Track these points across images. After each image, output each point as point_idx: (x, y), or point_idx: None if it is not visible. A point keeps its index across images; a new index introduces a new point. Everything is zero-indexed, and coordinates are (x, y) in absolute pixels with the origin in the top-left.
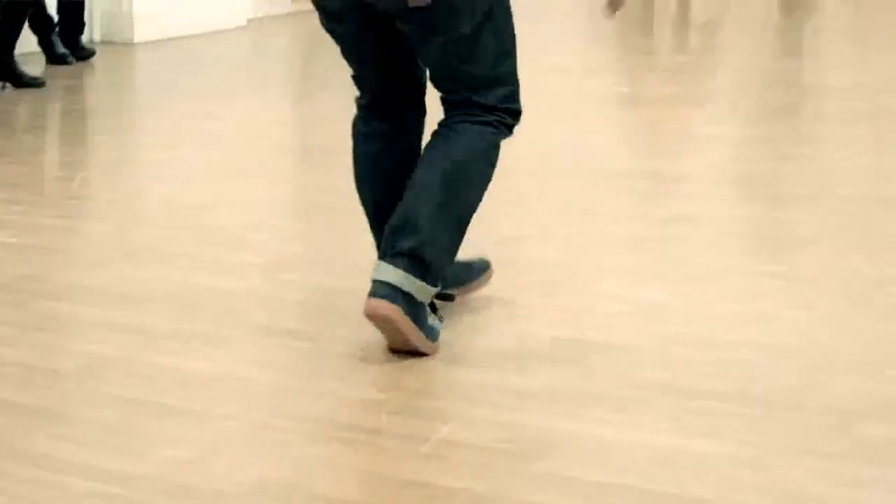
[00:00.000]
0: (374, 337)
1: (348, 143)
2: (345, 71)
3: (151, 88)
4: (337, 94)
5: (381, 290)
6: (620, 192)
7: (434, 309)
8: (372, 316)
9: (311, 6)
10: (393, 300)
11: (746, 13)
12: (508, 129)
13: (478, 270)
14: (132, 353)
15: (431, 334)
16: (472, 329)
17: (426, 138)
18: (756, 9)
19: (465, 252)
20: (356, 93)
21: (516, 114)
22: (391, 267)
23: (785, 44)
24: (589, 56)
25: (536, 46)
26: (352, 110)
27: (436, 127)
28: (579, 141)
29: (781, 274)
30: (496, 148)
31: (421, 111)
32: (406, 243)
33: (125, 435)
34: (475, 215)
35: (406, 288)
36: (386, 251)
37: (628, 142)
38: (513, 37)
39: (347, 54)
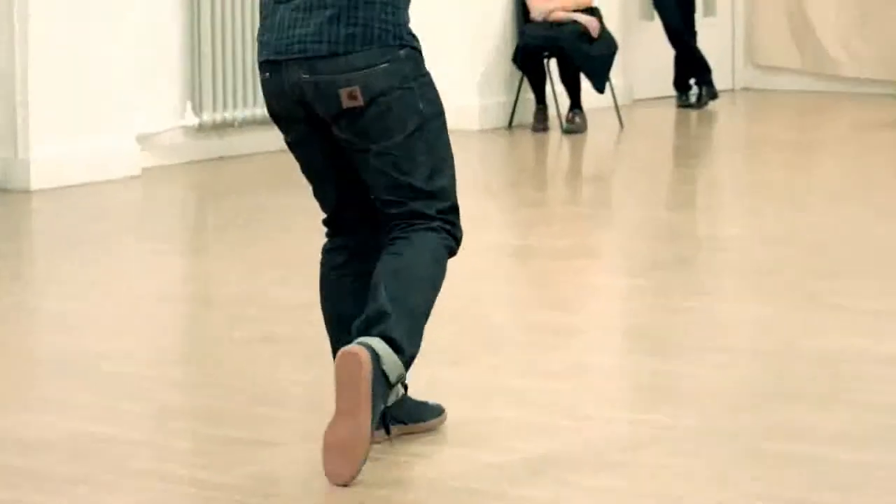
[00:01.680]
0: (265, 486)
1: (239, 294)
2: (237, 224)
3: (46, 236)
4: (230, 246)
5: (354, 344)
6: (509, 344)
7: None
8: (341, 356)
9: (204, 156)
10: (366, 348)
11: (640, 165)
12: (453, 240)
13: (431, 411)
14: (22, 495)
15: (375, 419)
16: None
17: None
18: (649, 161)
19: None
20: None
21: (455, 226)
22: (364, 337)
23: (678, 195)
24: (481, 208)
25: None
26: (242, 264)
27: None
28: (469, 292)
29: (664, 424)
30: (444, 249)
31: (377, 229)
32: (375, 329)
33: None
34: None
35: (379, 350)
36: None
37: (519, 293)
38: (448, 154)
39: (304, 168)
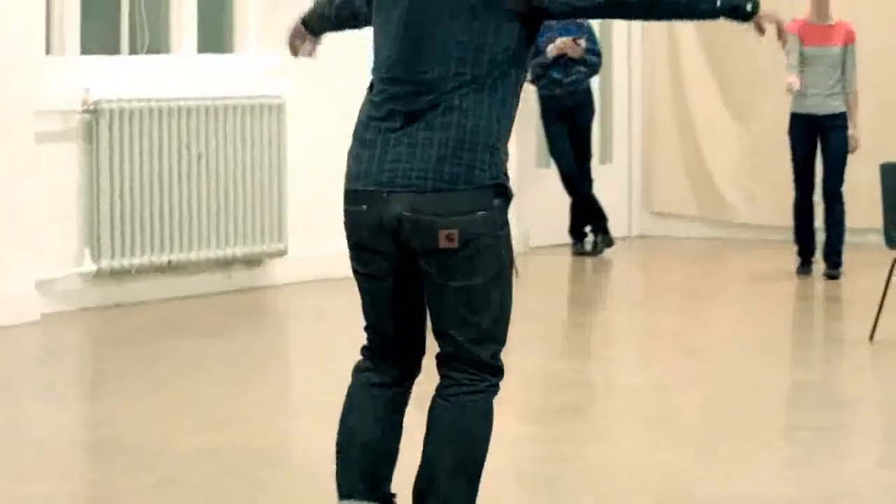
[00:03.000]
0: None
1: (142, 440)
2: (137, 371)
3: None
4: (131, 392)
5: None
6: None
7: None
8: None
9: (102, 302)
10: None
11: (535, 313)
12: (496, 388)
13: None
14: None
15: None
16: None
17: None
18: (545, 309)
19: None
20: (363, 343)
21: (501, 372)
22: None
23: (573, 344)
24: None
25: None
26: (143, 410)
27: (434, 396)
28: None
29: None
30: (491, 408)
31: (418, 366)
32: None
33: None
34: None
35: None
36: None
37: (411, 439)
38: (511, 300)
39: (369, 297)
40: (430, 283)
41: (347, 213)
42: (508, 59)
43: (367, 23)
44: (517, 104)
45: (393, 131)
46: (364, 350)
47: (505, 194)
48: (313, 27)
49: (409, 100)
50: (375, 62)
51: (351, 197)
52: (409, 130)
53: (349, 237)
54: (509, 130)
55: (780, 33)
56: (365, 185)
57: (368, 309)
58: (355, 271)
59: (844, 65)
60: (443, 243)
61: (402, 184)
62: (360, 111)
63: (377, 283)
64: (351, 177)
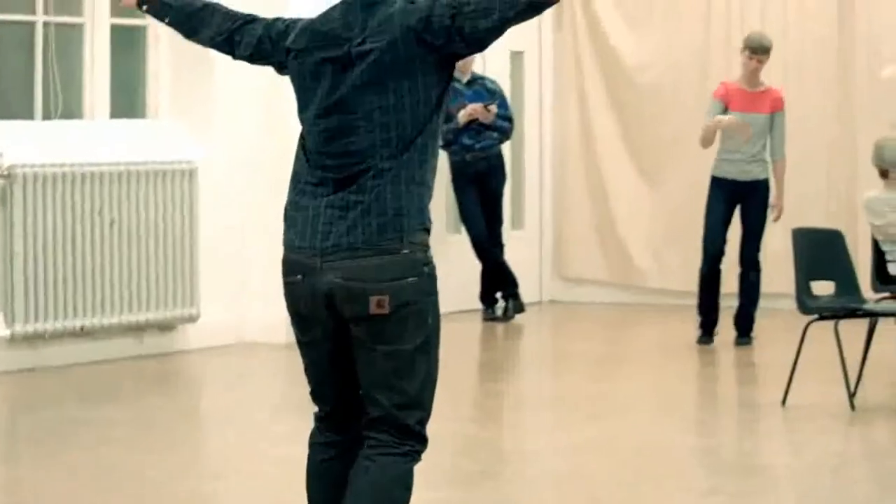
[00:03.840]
0: None
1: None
2: (52, 436)
3: None
4: (43, 458)
5: None
6: None
7: None
8: None
9: (16, 367)
10: None
11: (445, 379)
12: (418, 456)
13: None
14: None
15: None
16: None
17: None
18: (455, 375)
19: None
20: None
21: (425, 441)
22: None
23: (483, 410)
24: (287, 422)
25: None
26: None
27: (359, 457)
28: None
29: None
30: (411, 474)
31: None
32: None
33: None
34: None
35: None
36: None
37: None
38: (438, 368)
39: (311, 366)
40: (360, 348)
41: (285, 284)
42: (428, 117)
43: (244, 56)
44: (436, 166)
45: (325, 196)
46: (315, 418)
47: (432, 260)
48: (163, 19)
49: (339, 168)
50: (303, 126)
51: (287, 268)
52: (341, 195)
53: (288, 307)
54: (432, 194)
55: None
56: (299, 252)
57: (311, 376)
58: (297, 340)
59: (772, 132)
60: (374, 309)
61: (335, 250)
62: (294, 170)
63: (316, 350)
64: (286, 244)
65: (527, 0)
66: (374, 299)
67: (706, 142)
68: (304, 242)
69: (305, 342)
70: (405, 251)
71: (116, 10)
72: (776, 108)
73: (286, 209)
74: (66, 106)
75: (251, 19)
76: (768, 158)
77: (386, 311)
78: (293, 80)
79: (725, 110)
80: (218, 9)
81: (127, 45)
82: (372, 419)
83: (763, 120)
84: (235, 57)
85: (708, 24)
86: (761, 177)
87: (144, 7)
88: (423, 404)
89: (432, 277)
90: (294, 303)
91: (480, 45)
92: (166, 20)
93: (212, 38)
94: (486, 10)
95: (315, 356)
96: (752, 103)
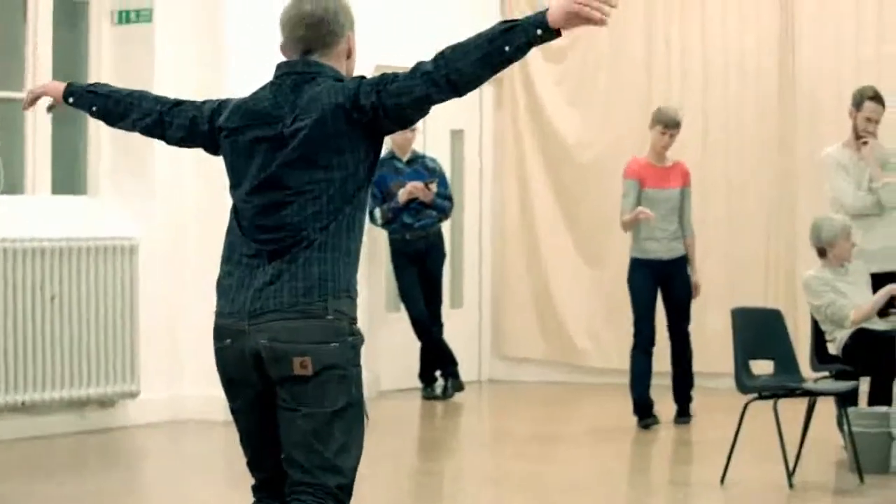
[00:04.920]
0: None
1: None
2: None
3: None
4: None
5: None
6: None
7: None
8: None
9: None
10: None
11: (384, 457)
12: None
13: None
14: None
15: None
16: None
17: None
18: (394, 453)
19: None
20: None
21: None
22: None
23: (422, 488)
24: (221, 498)
25: None
26: None
27: None
28: None
29: None
30: None
31: None
32: None
33: None
34: None
35: None
36: None
37: None
38: (360, 439)
39: (245, 435)
40: (283, 410)
41: (216, 350)
42: (356, 190)
43: (176, 137)
44: (362, 237)
45: (258, 267)
46: (252, 490)
47: (358, 332)
48: (89, 109)
49: (273, 241)
50: (236, 201)
51: (217, 333)
52: (275, 264)
53: (220, 374)
54: (357, 265)
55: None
56: (229, 316)
57: (246, 445)
58: (231, 409)
59: (682, 207)
60: (297, 370)
61: (262, 311)
62: (228, 240)
63: (248, 416)
64: (217, 312)
65: (447, 79)
66: (297, 360)
67: (628, 227)
68: (233, 308)
69: (236, 409)
70: (329, 317)
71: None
72: (686, 182)
73: (219, 279)
74: (8, 181)
75: (179, 102)
76: None
77: (309, 371)
78: (226, 158)
79: (640, 188)
80: (145, 94)
81: (68, 121)
82: (293, 483)
83: (677, 194)
84: (167, 139)
85: (649, 101)
86: (683, 253)
87: (71, 100)
88: (342, 471)
89: (356, 349)
90: (224, 368)
91: (404, 121)
92: (93, 109)
93: (140, 121)
94: (408, 88)
95: (247, 422)
96: (665, 179)
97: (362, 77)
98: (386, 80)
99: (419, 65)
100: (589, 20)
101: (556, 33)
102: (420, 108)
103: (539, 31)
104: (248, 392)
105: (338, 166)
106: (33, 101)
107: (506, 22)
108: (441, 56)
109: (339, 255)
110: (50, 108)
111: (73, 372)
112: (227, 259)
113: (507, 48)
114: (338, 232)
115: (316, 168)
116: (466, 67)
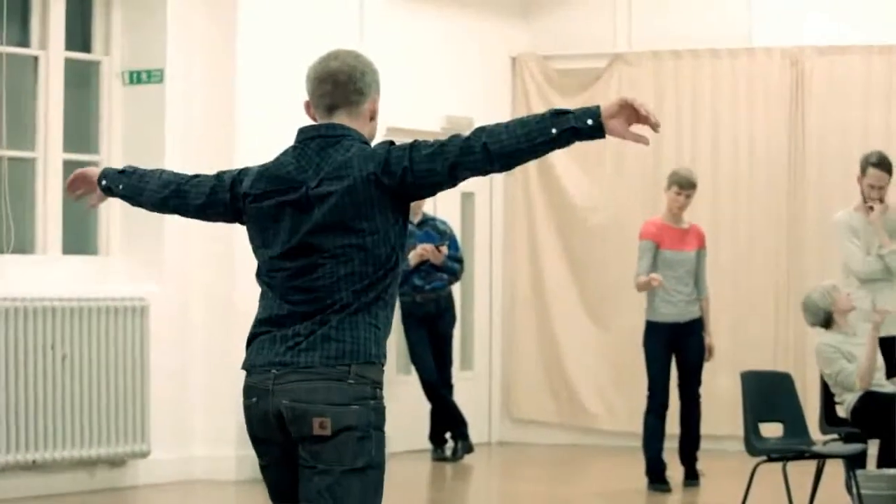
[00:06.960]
0: None
1: None
2: None
3: None
4: None
5: None
6: None
7: None
8: None
9: None
10: None
11: None
12: None
13: None
14: None
15: None
16: None
17: None
18: None
19: None
20: None
21: None
22: None
23: None
24: None
25: None
26: None
27: None
28: None
29: None
30: None
31: None
32: None
33: None
34: None
35: None
36: None
37: None
38: None
39: (273, 489)
40: (302, 468)
41: (244, 407)
42: (388, 256)
43: (196, 204)
44: (394, 306)
45: (289, 326)
46: None
47: (381, 398)
48: (117, 188)
49: (306, 302)
50: (264, 263)
51: (245, 391)
52: (305, 324)
53: (248, 431)
54: (388, 333)
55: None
56: (256, 373)
57: (273, 499)
58: (259, 465)
59: (697, 269)
60: (316, 430)
61: (286, 370)
62: (263, 303)
63: (274, 472)
64: (246, 366)
65: (484, 146)
66: (316, 420)
67: (642, 289)
68: (261, 360)
69: (264, 465)
70: (350, 381)
71: (69, 145)
72: (702, 244)
73: (250, 336)
74: (19, 240)
75: (197, 175)
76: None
77: (328, 432)
78: (252, 223)
79: (657, 249)
80: (165, 170)
81: None
82: None
83: (693, 257)
84: (189, 210)
85: (658, 164)
86: (698, 315)
87: (104, 182)
88: None
89: (379, 412)
90: (250, 426)
91: (433, 187)
92: (120, 187)
93: (159, 192)
94: (442, 153)
95: (274, 478)
96: (682, 241)
97: (391, 142)
98: (419, 146)
99: (456, 135)
100: (637, 116)
101: (603, 132)
102: (452, 175)
103: (590, 122)
104: (274, 450)
105: (369, 231)
106: (74, 191)
107: (559, 109)
108: (481, 128)
109: (371, 321)
110: (92, 206)
111: (84, 431)
112: (261, 320)
113: (553, 130)
114: (370, 297)
115: (348, 232)
116: (508, 139)
